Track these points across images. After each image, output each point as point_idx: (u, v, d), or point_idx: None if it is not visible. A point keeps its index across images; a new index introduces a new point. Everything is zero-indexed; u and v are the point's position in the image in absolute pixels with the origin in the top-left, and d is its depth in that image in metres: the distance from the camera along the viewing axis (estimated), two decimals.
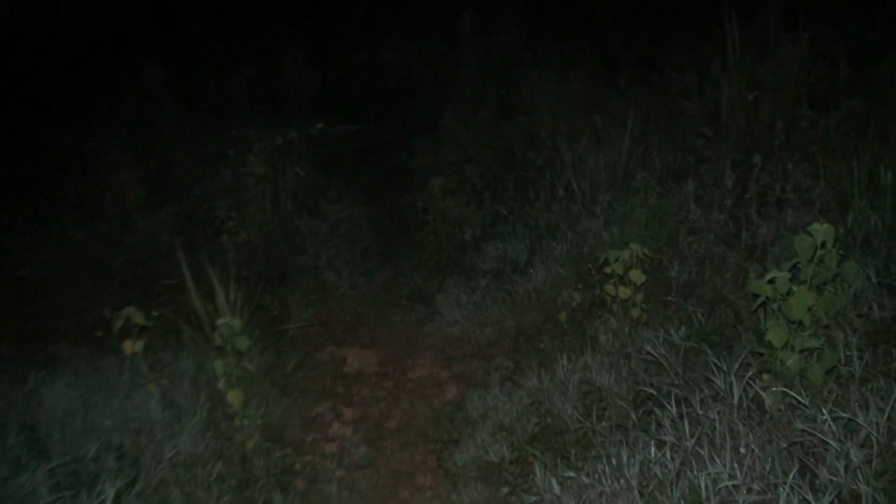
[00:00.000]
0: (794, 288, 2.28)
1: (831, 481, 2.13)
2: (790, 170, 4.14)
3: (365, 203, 5.76)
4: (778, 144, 4.46)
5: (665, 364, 2.97)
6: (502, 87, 6.42)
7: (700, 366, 2.98)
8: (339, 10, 9.11)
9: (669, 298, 3.50)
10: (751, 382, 2.52)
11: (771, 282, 2.33)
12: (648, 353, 3.10)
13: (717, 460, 2.29)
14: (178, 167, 5.96)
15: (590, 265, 3.99)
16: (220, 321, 2.85)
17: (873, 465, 2.09)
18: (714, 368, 2.67)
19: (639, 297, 3.23)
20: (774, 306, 2.34)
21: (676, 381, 2.85)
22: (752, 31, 4.89)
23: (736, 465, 2.26)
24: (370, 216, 5.54)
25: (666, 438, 2.45)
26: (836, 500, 2.08)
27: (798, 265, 2.33)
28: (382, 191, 6.01)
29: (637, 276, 3.07)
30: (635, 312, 3.18)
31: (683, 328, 3.22)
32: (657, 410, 2.69)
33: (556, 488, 2.51)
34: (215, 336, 2.88)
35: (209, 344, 3.07)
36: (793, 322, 2.30)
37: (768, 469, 2.20)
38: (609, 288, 3.18)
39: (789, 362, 2.27)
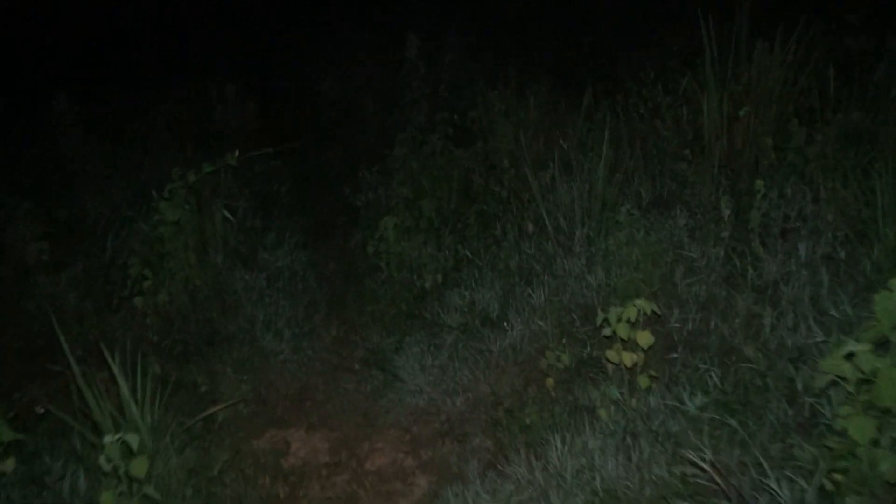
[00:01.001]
0: (879, 366, 1.73)
1: None
2: (788, 194, 3.66)
3: (308, 247, 5.10)
4: (769, 165, 4.00)
5: (685, 445, 2.39)
6: (455, 112, 5.85)
7: (726, 441, 2.42)
8: (276, 38, 8.47)
9: (674, 355, 2.94)
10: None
11: (848, 356, 1.79)
12: (662, 429, 2.53)
13: None
14: (90, 215, 5.17)
15: (574, 316, 3.41)
16: (107, 438, 2.14)
17: None
18: (759, 458, 2.10)
19: (641, 359, 2.64)
20: (852, 388, 1.79)
21: (705, 474, 2.27)
22: (727, 38, 4.44)
23: None
24: (314, 263, 4.86)
25: None
26: None
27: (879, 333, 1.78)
28: (327, 232, 5.35)
29: (645, 339, 2.49)
30: (644, 382, 2.60)
31: (699, 394, 2.65)
32: None
33: None
34: (100, 459, 2.17)
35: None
36: (883, 412, 1.76)
37: None
38: (611, 354, 2.59)
39: (882, 467, 1.71)
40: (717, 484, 2.20)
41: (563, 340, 3.33)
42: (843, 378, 1.81)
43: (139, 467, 2.14)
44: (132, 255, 4.09)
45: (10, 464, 2.32)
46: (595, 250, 3.74)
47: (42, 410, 2.62)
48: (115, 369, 2.65)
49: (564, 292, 3.58)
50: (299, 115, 7.69)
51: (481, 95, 5.76)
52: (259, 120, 7.25)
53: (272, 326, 3.98)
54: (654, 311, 2.53)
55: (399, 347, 3.77)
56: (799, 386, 2.52)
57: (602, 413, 2.69)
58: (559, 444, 2.66)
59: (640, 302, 2.48)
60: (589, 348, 3.12)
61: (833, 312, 2.83)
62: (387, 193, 5.20)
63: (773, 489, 2.03)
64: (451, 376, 3.45)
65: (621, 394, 2.69)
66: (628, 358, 2.52)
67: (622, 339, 2.53)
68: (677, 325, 3.08)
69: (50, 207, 5.16)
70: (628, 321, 2.48)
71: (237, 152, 4.21)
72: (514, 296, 3.72)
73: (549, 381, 2.98)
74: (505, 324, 3.56)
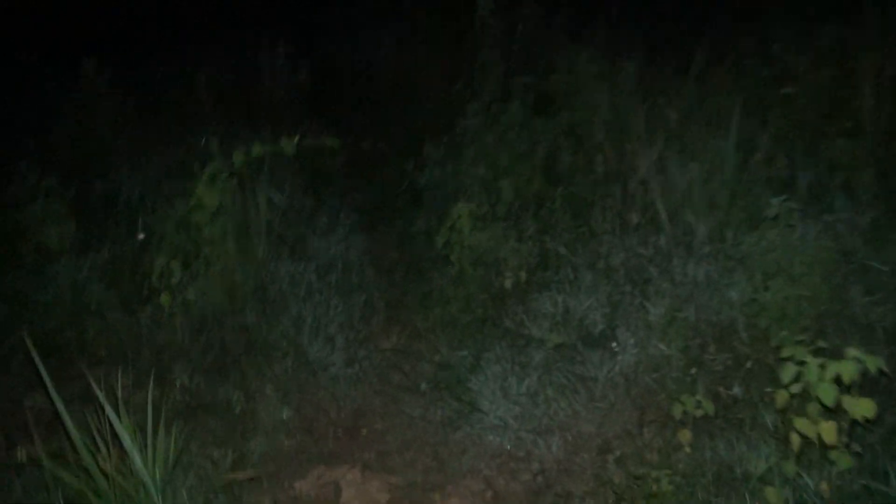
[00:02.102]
0: None
1: None
2: None
3: (364, 231, 4.42)
4: None
5: None
6: (534, 76, 5.05)
7: None
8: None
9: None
10: None
11: None
12: None
13: None
14: (123, 193, 4.59)
15: (706, 339, 2.64)
16: None
17: None
18: None
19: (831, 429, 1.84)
20: None
21: None
22: None
23: None
24: (371, 252, 4.18)
25: None
26: None
27: None
28: (386, 214, 4.66)
29: (866, 408, 1.70)
30: (844, 461, 1.81)
31: None
32: None
33: None
34: None
35: None
36: None
37: None
38: (803, 425, 1.80)
39: None
40: None
41: (693, 371, 2.56)
42: None
43: None
44: (163, 242, 3.46)
45: None
46: (728, 251, 2.93)
47: (23, 459, 2.03)
48: (110, 411, 2.01)
49: (690, 306, 2.80)
50: (354, 81, 6.98)
51: (566, 56, 4.95)
52: (310, 88, 6.58)
53: (322, 331, 3.32)
54: (880, 370, 1.74)
55: (475, 364, 3.05)
56: None
57: (770, 494, 1.92)
58: None
59: (859, 356, 1.69)
60: (736, 388, 2.35)
61: None
62: (455, 171, 4.46)
63: None
64: (543, 409, 2.72)
65: (798, 467, 1.92)
66: (831, 432, 1.74)
67: (822, 404, 1.74)
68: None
69: (79, 184, 4.60)
70: (837, 381, 1.70)
71: (296, 138, 3.52)
72: (623, 306, 2.95)
73: (685, 435, 2.22)
74: (613, 344, 2.81)
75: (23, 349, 3.10)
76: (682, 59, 4.48)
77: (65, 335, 3.55)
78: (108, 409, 2.08)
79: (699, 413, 2.25)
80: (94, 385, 2.19)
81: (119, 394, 2.19)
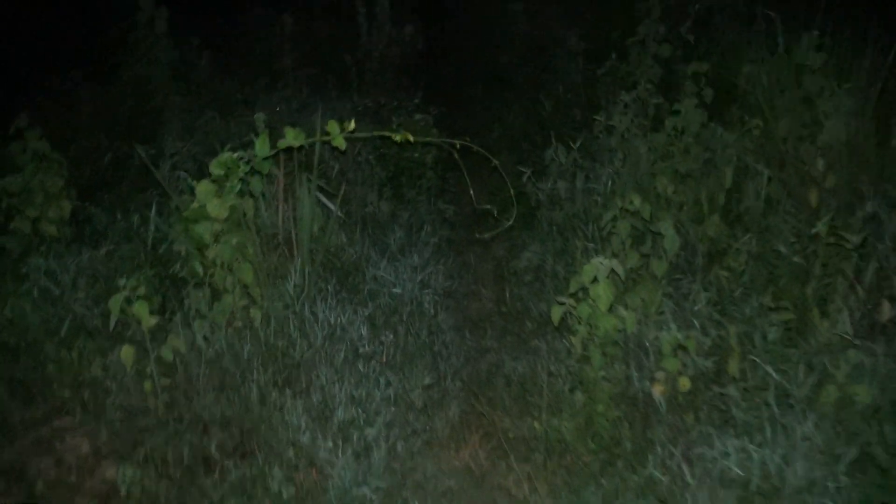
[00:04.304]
0: None
1: None
2: None
3: (450, 256, 3.23)
4: None
5: None
6: (715, 62, 3.63)
7: None
8: None
9: None
10: None
11: None
12: None
13: None
14: (160, 164, 3.57)
15: None
16: None
17: None
18: None
19: None
20: None
21: None
22: None
23: None
24: (456, 293, 2.99)
25: None
26: None
27: None
28: (483, 236, 3.43)
29: None
30: None
31: None
32: None
33: None
34: None
35: None
36: None
37: None
38: None
39: None
40: None
41: None
42: None
43: None
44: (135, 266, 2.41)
45: None
46: None
47: None
48: None
49: None
50: (473, 49, 5.73)
51: (763, 37, 3.50)
52: (417, 52, 5.39)
53: (355, 435, 2.15)
54: None
55: None
56: None
57: None
58: None
59: None
60: None
61: None
62: (587, 189, 3.17)
63: None
64: None
65: None
66: None
67: None
68: None
69: (103, 149, 3.66)
70: None
71: (352, 126, 2.33)
72: None
73: None
74: None
75: None
76: None
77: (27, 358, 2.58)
78: None
79: None
80: None
81: None
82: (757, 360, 2.02)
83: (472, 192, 2.70)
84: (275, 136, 2.47)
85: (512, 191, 2.89)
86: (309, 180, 2.58)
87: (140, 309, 2.05)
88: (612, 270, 2.09)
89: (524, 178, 3.29)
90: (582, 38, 4.44)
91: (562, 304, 2.13)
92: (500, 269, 3.25)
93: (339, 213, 2.85)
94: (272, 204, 2.63)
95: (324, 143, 2.35)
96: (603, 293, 2.05)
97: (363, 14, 4.68)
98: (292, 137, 2.21)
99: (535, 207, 3.33)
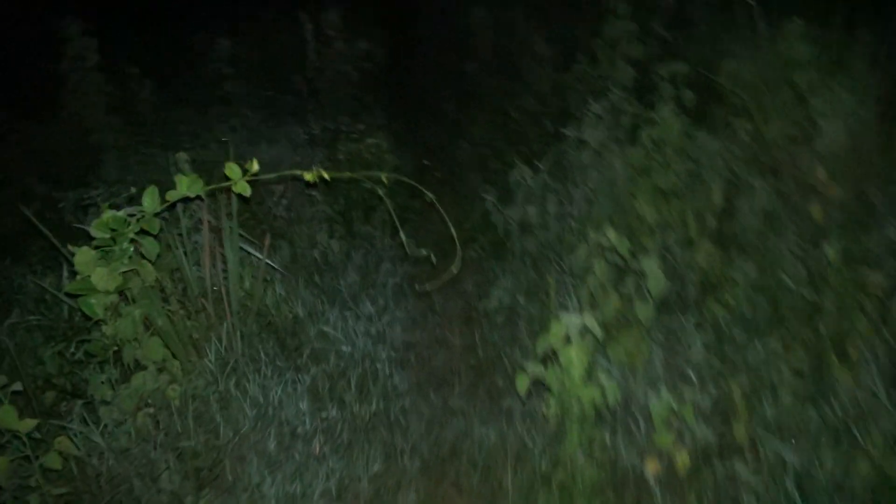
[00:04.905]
0: None
1: None
2: None
3: (411, 302, 2.86)
4: None
5: None
6: (693, 62, 3.28)
7: None
8: None
9: None
10: None
11: None
12: None
13: None
14: (68, 211, 3.17)
15: None
16: None
17: None
18: None
19: None
20: None
21: None
22: None
23: None
24: (417, 345, 2.62)
25: None
26: None
27: None
28: (449, 272, 3.06)
29: None
30: None
31: None
32: None
33: None
34: None
35: None
36: None
37: None
38: None
39: None
40: None
41: None
42: None
43: None
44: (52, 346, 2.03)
45: None
46: None
47: None
48: None
49: None
50: (439, 59, 5.36)
51: (747, 31, 3.15)
52: (379, 66, 5.00)
53: None
54: None
55: None
56: None
57: None
58: None
59: None
60: None
61: None
62: (560, 213, 2.81)
63: None
64: None
65: None
66: None
67: None
68: None
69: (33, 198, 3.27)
70: None
71: (311, 174, 1.93)
72: None
73: None
74: None
75: None
76: None
77: None
78: None
79: None
80: None
81: None
82: (767, 433, 1.64)
83: (402, 235, 2.27)
84: (217, 174, 2.10)
85: (454, 232, 2.39)
86: (231, 229, 2.20)
87: (5, 415, 1.66)
88: (586, 327, 1.72)
89: (489, 203, 2.92)
90: (549, 42, 4.08)
91: (527, 371, 1.75)
92: (469, 309, 2.87)
93: (270, 262, 2.46)
94: (195, 256, 2.24)
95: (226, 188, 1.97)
96: (576, 358, 1.67)
97: (310, 31, 4.29)
98: (186, 187, 1.83)
99: (505, 236, 2.96)
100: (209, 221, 2.26)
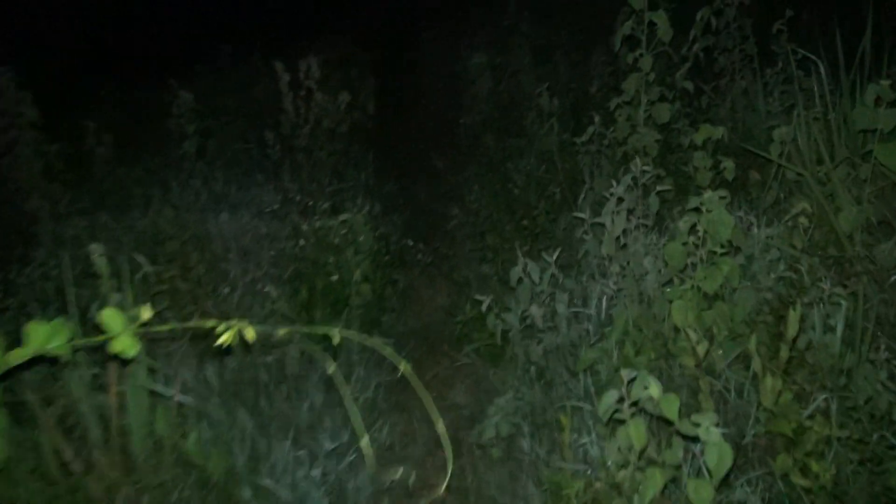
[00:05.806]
0: None
1: None
2: None
3: (398, 412, 2.27)
4: None
5: None
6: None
7: None
8: None
9: None
10: None
11: None
12: None
13: None
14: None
15: None
16: None
17: None
18: None
19: None
20: None
21: None
22: None
23: None
24: (403, 478, 2.02)
25: None
26: None
27: None
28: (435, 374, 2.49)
29: None
30: None
31: None
32: None
33: None
34: None
35: None
36: None
37: None
38: None
39: None
40: None
41: None
42: None
43: None
44: None
45: None
46: None
47: None
48: None
49: None
50: (432, 111, 4.88)
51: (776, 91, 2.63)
52: (366, 119, 4.50)
53: None
54: None
55: None
56: None
57: None
58: None
59: None
60: None
61: None
62: (573, 316, 2.23)
63: None
64: None
65: None
66: None
67: None
68: None
69: None
70: None
71: (146, 311, 1.26)
72: None
73: None
74: None
75: None
76: None
77: None
78: None
79: None
80: None
81: None
82: None
83: (362, 442, 1.37)
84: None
85: (443, 431, 1.36)
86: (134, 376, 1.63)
87: None
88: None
89: (484, 307, 2.34)
90: (556, 95, 3.54)
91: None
92: (459, 432, 2.28)
93: (185, 401, 1.86)
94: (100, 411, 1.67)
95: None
96: None
97: (286, 81, 3.77)
98: (39, 342, 1.24)
99: (504, 341, 2.38)
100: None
